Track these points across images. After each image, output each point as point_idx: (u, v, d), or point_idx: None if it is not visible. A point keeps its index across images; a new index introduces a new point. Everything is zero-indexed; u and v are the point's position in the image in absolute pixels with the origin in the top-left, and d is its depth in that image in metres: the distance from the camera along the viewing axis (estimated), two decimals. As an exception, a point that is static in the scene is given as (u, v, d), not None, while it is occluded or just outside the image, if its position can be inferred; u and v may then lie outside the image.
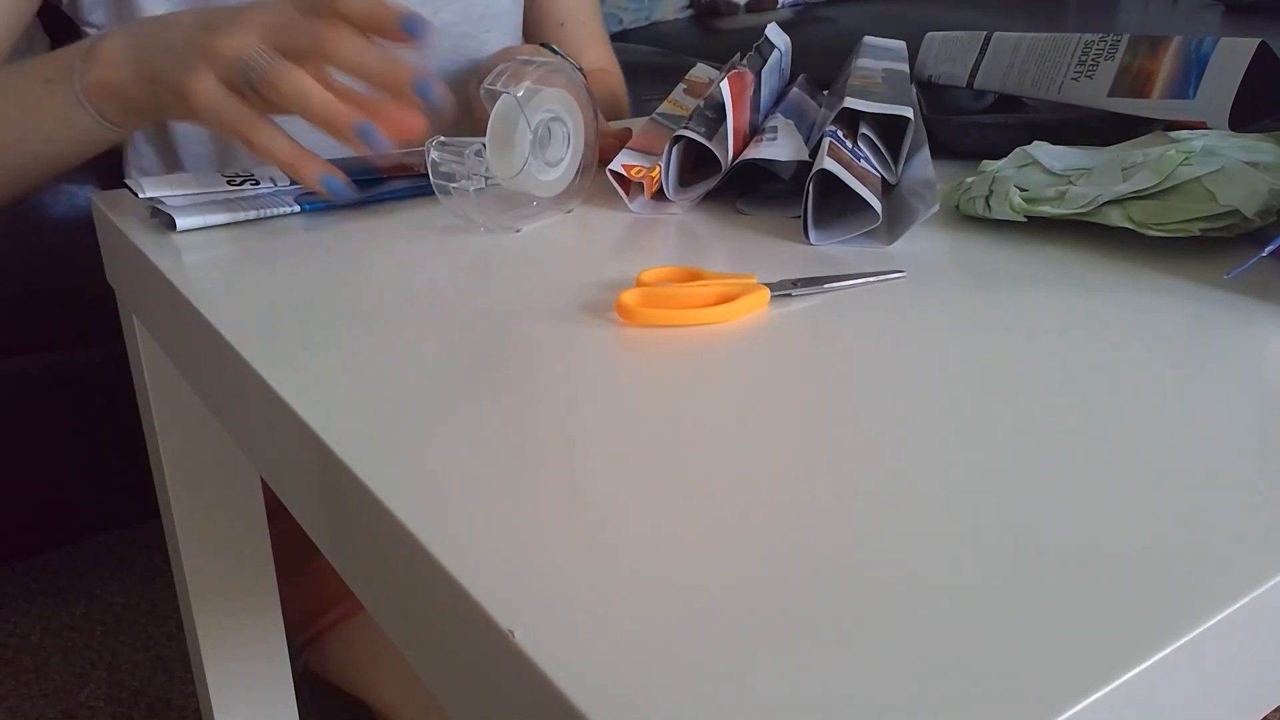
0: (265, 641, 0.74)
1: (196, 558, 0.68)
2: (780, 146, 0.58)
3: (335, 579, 0.83)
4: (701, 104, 0.61)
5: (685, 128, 0.58)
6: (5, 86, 0.59)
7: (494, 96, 0.53)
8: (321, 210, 0.58)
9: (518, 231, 0.55)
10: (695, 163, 0.63)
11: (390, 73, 0.50)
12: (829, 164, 0.51)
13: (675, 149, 0.59)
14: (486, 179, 0.55)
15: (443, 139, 0.56)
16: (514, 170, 0.53)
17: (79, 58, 0.56)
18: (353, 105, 0.50)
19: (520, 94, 0.53)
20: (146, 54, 0.54)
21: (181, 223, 0.54)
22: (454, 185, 0.55)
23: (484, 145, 0.54)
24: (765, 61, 0.67)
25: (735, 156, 0.59)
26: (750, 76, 0.61)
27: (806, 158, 0.57)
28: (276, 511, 0.79)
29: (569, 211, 0.58)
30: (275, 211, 0.57)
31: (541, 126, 0.55)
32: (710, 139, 0.58)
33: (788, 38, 0.74)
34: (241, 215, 0.56)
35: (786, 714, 0.22)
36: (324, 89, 0.49)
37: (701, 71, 0.81)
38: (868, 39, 0.80)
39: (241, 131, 0.50)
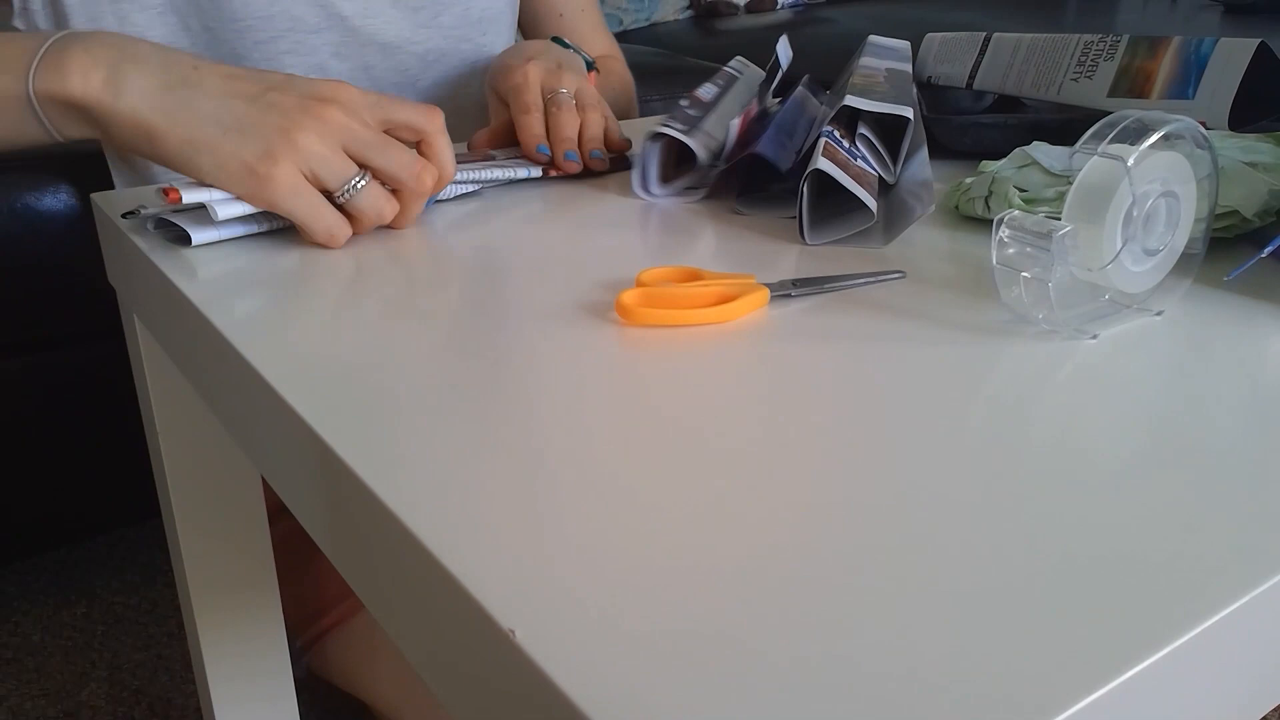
0: (266, 641, 0.74)
1: (197, 557, 0.68)
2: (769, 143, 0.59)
3: (336, 579, 0.83)
4: (686, 102, 0.63)
5: (665, 125, 0.60)
6: None
7: (1085, 157, 0.41)
8: None
9: (1094, 338, 0.42)
10: (678, 160, 0.64)
11: (420, 191, 0.54)
12: (823, 164, 0.51)
13: (656, 146, 0.61)
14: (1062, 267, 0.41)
15: (1015, 215, 0.42)
16: (1104, 259, 0.41)
17: (34, 57, 0.51)
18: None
19: (1131, 160, 0.39)
20: (188, 115, 0.50)
21: (196, 237, 0.51)
22: (1025, 274, 0.41)
23: (1067, 226, 0.41)
24: (772, 85, 0.70)
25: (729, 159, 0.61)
26: (755, 109, 0.64)
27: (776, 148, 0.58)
28: (278, 513, 0.79)
29: (1159, 314, 0.44)
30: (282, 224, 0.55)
31: (1148, 200, 0.41)
32: (689, 135, 0.60)
33: (790, 51, 0.75)
34: (255, 228, 0.54)
35: (786, 713, 0.22)
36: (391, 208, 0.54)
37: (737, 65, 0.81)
38: (872, 38, 0.80)
39: (316, 227, 0.52)
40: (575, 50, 0.78)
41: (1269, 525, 0.29)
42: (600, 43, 0.97)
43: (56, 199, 1.01)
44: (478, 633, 0.26)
